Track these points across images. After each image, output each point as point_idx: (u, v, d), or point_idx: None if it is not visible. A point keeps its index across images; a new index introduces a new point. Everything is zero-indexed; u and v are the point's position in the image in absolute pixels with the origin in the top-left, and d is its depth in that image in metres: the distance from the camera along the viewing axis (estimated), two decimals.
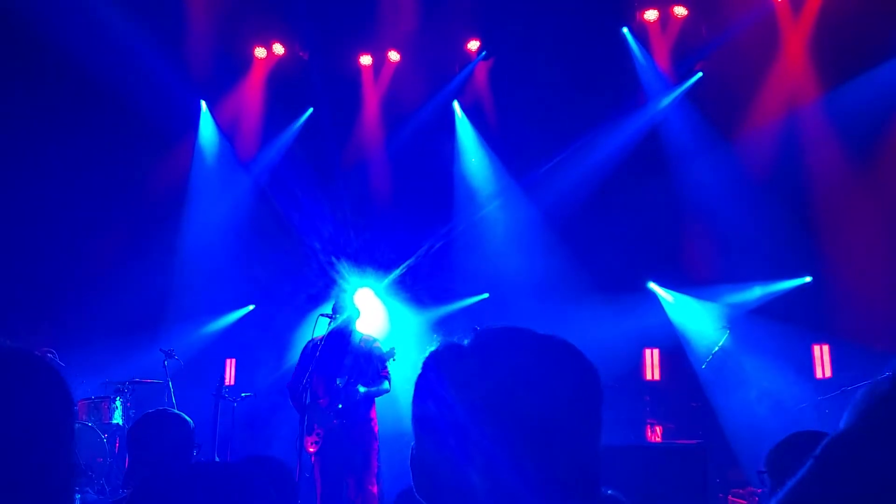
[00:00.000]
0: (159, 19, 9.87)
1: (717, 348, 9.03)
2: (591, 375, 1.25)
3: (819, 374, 9.37)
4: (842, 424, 0.97)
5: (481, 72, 11.19)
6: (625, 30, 10.57)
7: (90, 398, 8.63)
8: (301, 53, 11.18)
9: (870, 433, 0.94)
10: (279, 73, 11.26)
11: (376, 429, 6.60)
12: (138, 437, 3.08)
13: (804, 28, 9.92)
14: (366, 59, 11.26)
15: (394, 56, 11.15)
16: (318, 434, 6.47)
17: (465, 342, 1.26)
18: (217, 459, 8.04)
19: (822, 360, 9.41)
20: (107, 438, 8.31)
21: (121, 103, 9.85)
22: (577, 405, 1.21)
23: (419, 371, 1.28)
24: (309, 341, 6.76)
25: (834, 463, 0.96)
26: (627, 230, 9.88)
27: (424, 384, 1.26)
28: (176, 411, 3.26)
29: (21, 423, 1.31)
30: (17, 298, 9.88)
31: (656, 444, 8.83)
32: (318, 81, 10.92)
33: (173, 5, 10.23)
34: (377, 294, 10.01)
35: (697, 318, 9.90)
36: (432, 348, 1.28)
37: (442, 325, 10.25)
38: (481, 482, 1.15)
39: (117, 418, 8.59)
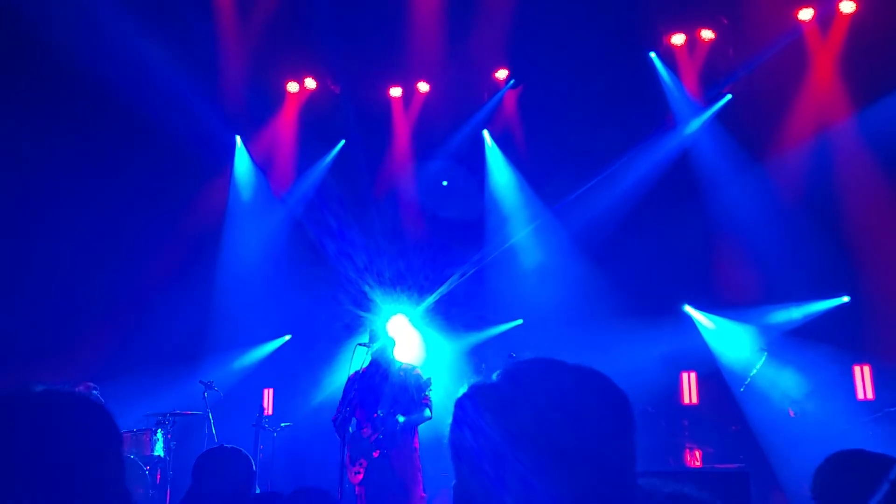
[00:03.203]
0: (194, 57, 10.12)
1: (755, 371, 8.94)
2: (622, 403, 1.29)
3: (861, 395, 9.23)
4: None
5: (510, 100, 11.29)
6: (652, 55, 10.62)
7: (132, 431, 8.74)
8: (332, 87, 11.38)
9: None
10: (311, 107, 11.47)
11: (419, 460, 6.61)
12: (203, 469, 3.14)
13: (833, 47, 9.89)
14: (396, 91, 11.42)
15: (423, 87, 11.31)
16: (360, 465, 6.51)
17: (494, 377, 1.31)
18: (258, 490, 8.10)
19: (864, 380, 9.27)
20: (149, 470, 8.41)
21: (160, 140, 10.11)
22: (611, 433, 1.25)
23: (455, 407, 1.33)
24: (352, 374, 6.81)
25: None
26: (661, 254, 9.87)
27: (460, 419, 1.31)
28: (241, 449, 3.32)
29: (74, 456, 1.42)
30: (58, 332, 10.08)
31: (698, 469, 8.73)
32: (350, 114, 11.11)
33: (207, 43, 10.48)
34: (412, 322, 10.07)
35: (734, 341, 9.81)
36: (463, 389, 1.33)
37: (476, 352, 10.27)
38: None
39: (159, 450, 8.68)
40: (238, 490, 3.07)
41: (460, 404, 1.31)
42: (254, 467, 3.20)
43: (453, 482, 1.30)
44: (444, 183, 11.41)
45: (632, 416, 1.28)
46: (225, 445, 3.34)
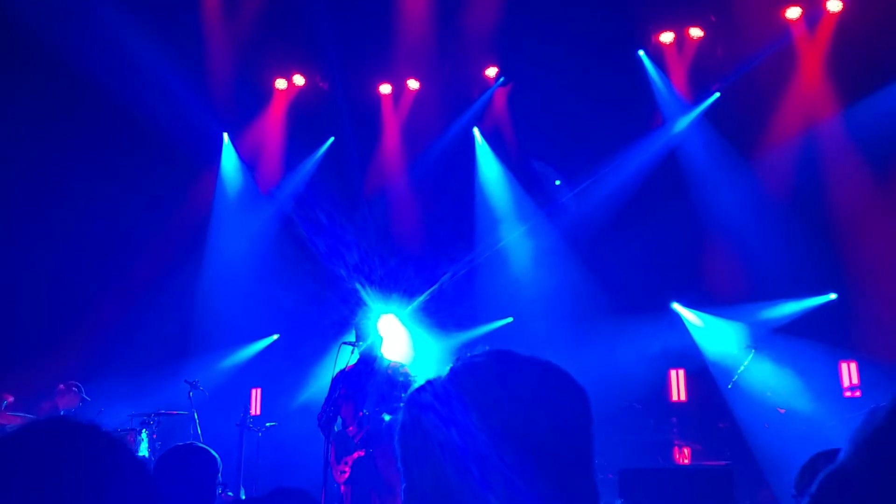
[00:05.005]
0: (182, 53, 10.06)
1: (742, 368, 8.95)
2: (579, 395, 1.25)
3: (847, 392, 9.25)
4: (840, 457, 0.96)
5: (500, 97, 11.27)
6: (641, 53, 10.62)
7: (116, 430, 8.65)
8: (321, 84, 11.34)
9: (864, 468, 0.92)
10: (300, 104, 11.42)
11: None
12: (164, 469, 3.10)
13: (820, 45, 9.92)
14: (385, 88, 11.39)
15: (413, 84, 11.28)
16: (345, 463, 6.47)
17: (446, 371, 1.27)
18: (242, 490, 8.06)
19: (850, 377, 9.29)
20: None
21: (147, 137, 10.05)
22: (567, 426, 1.22)
23: (405, 406, 1.29)
24: (338, 372, 6.75)
25: (830, 500, 0.94)
26: (650, 251, 9.87)
27: (409, 416, 1.26)
28: (203, 446, 3.29)
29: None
30: (42, 330, 10.01)
31: (683, 466, 8.74)
32: (339, 111, 11.05)
33: (195, 39, 10.43)
34: (401, 320, 10.02)
35: (722, 338, 9.82)
36: (414, 388, 1.29)
37: (466, 351, 10.22)
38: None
39: (143, 450, 8.59)
40: (201, 487, 3.03)
41: (410, 402, 1.27)
42: (218, 465, 3.16)
43: (403, 485, 1.25)
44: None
45: (589, 408, 1.24)
46: (186, 443, 3.31)
